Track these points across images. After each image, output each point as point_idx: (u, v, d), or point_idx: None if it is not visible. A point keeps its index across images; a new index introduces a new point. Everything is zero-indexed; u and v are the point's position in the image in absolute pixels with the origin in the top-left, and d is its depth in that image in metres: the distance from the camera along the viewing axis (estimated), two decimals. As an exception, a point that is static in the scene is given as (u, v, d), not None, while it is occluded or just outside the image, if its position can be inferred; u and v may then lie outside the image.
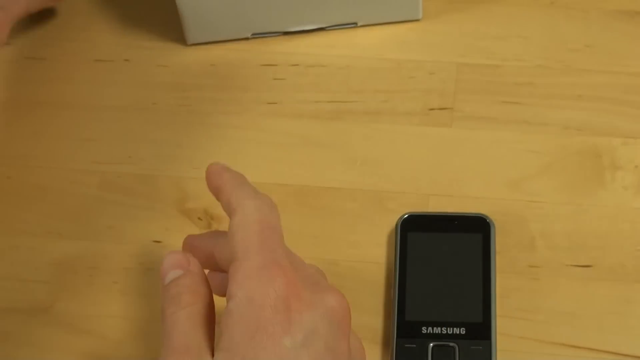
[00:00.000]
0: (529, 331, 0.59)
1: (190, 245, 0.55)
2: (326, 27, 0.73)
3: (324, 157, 0.67)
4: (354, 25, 0.73)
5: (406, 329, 0.58)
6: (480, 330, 0.58)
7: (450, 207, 0.64)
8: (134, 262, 0.63)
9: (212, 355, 0.46)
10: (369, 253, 0.63)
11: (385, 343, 0.59)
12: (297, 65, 0.72)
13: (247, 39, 0.73)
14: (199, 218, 0.65)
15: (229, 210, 0.50)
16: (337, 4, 0.71)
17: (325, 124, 0.69)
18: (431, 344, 0.57)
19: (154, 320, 0.61)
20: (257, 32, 0.73)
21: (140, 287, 0.62)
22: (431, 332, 0.58)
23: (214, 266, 0.53)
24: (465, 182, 0.65)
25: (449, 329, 0.58)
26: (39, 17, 0.77)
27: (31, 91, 0.73)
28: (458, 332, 0.58)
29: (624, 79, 0.69)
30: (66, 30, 0.76)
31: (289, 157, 0.68)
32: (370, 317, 0.60)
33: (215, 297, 0.51)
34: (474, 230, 0.62)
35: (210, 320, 0.49)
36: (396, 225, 0.62)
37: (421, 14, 0.73)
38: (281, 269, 0.46)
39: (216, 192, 0.53)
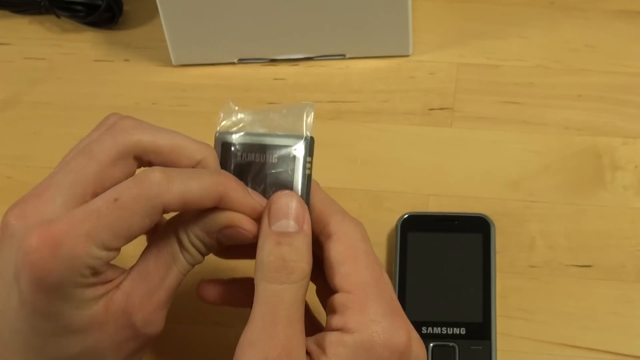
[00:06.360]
0: (529, 331, 0.59)
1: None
2: (314, 57, 0.72)
3: (324, 157, 0.67)
4: (342, 57, 0.72)
5: (406, 329, 0.58)
6: (480, 330, 0.58)
7: (450, 207, 0.64)
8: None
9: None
10: (369, 253, 0.63)
11: (385, 343, 0.59)
12: (297, 65, 0.72)
13: (233, 64, 0.73)
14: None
15: (324, 231, 0.49)
16: (325, 35, 0.70)
17: (325, 124, 0.69)
18: (431, 344, 0.57)
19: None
20: (243, 57, 0.73)
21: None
22: (431, 332, 0.58)
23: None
24: (465, 182, 0.65)
25: (449, 329, 0.58)
26: (40, 18, 0.77)
27: (31, 91, 0.73)
28: (458, 332, 0.58)
29: (624, 79, 0.69)
30: (66, 30, 0.76)
31: (289, 157, 0.67)
32: (370, 317, 0.60)
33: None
34: (474, 230, 0.61)
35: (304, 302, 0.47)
36: (396, 225, 0.62)
37: (411, 50, 0.71)
38: (404, 323, 0.47)
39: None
